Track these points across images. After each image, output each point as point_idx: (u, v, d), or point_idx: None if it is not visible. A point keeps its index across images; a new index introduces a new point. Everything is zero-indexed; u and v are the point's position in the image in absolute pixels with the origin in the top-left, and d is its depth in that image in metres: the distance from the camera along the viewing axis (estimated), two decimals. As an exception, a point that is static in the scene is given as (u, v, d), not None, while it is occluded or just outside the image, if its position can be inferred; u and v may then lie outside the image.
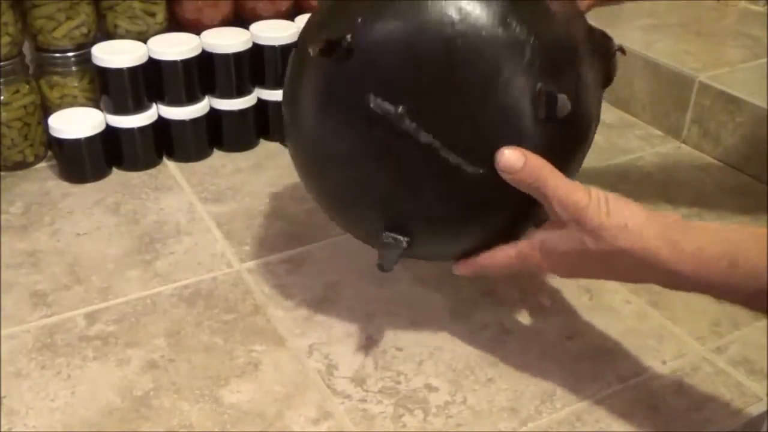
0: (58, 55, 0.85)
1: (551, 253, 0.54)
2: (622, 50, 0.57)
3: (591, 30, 0.56)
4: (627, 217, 0.51)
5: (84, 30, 0.84)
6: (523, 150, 0.52)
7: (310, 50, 0.52)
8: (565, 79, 0.53)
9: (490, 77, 0.51)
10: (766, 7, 1.18)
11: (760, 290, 0.47)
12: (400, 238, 0.56)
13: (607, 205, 0.52)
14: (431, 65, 0.51)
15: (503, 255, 0.56)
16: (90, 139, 0.82)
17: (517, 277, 0.70)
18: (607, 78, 0.58)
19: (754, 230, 0.49)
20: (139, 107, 0.85)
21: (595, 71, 0.56)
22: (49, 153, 0.88)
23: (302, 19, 0.93)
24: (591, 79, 0.55)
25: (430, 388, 0.59)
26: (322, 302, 0.67)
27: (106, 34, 0.87)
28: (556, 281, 0.70)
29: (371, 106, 0.52)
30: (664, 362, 0.62)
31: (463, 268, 0.59)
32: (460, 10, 0.51)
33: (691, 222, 0.52)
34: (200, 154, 0.90)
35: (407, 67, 0.52)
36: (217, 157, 0.91)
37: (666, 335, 0.65)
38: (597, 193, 0.52)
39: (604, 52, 0.56)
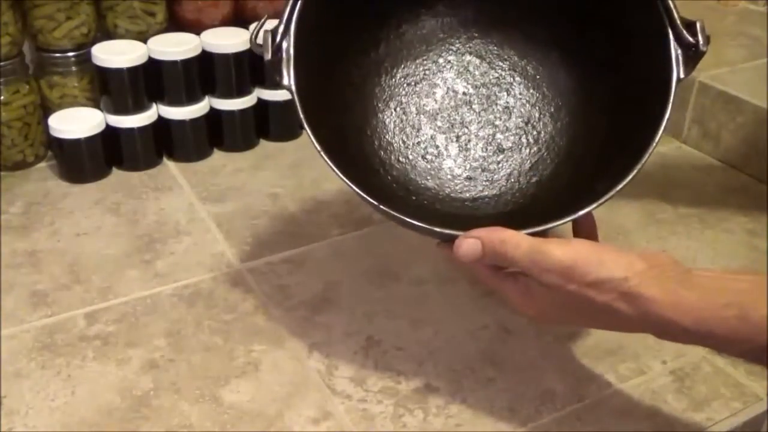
0: (58, 55, 0.85)
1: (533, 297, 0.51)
2: None
3: None
4: (624, 268, 0.47)
5: (84, 30, 0.84)
6: (479, 233, 0.51)
7: None
8: None
9: None
10: (766, 7, 1.18)
11: None
12: None
13: (600, 256, 0.48)
14: None
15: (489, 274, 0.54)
16: (90, 139, 0.82)
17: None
18: None
19: (759, 279, 0.46)
20: (139, 107, 0.85)
21: None
22: (49, 153, 0.88)
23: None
24: None
25: (430, 388, 0.59)
26: (322, 302, 0.67)
27: (106, 34, 0.87)
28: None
29: None
30: (664, 362, 0.62)
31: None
32: None
33: (689, 267, 0.48)
34: (200, 154, 0.90)
35: None
36: (217, 157, 0.91)
37: (666, 335, 0.65)
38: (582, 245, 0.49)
39: None
